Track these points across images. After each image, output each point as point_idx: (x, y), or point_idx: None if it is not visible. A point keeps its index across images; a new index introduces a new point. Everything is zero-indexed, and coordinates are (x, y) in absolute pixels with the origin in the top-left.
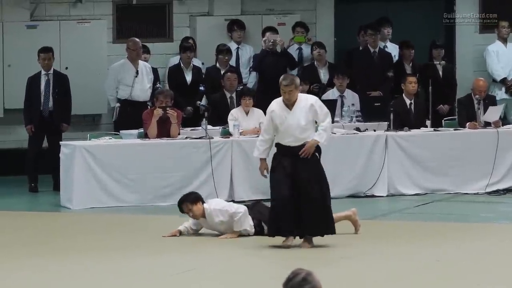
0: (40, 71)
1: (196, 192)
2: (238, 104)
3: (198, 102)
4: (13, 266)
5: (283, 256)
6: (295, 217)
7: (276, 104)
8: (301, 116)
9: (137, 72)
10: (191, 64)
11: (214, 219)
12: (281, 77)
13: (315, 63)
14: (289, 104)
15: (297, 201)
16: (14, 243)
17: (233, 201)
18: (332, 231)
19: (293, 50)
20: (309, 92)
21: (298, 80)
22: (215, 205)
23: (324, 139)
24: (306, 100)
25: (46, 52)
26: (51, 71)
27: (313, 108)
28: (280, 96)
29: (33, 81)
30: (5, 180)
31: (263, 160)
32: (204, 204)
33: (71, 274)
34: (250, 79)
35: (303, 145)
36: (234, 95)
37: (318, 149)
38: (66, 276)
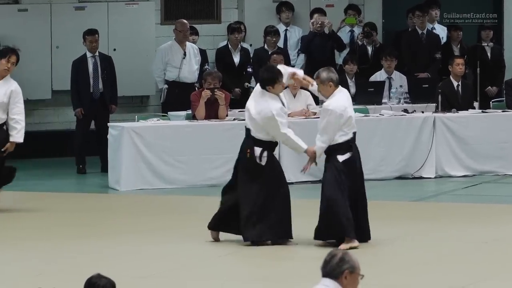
0: (85, 54)
1: None
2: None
3: (246, 83)
4: (61, 248)
5: None
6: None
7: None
8: None
9: (184, 54)
10: (239, 46)
11: None
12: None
13: (365, 42)
14: None
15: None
16: (62, 225)
17: None
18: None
19: (344, 33)
20: (356, 73)
21: (324, 75)
22: None
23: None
24: None
25: (92, 34)
26: (97, 53)
27: None
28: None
29: (80, 64)
30: (53, 162)
31: None
32: None
33: (119, 255)
34: (298, 61)
35: None
36: None
37: None
38: (114, 258)
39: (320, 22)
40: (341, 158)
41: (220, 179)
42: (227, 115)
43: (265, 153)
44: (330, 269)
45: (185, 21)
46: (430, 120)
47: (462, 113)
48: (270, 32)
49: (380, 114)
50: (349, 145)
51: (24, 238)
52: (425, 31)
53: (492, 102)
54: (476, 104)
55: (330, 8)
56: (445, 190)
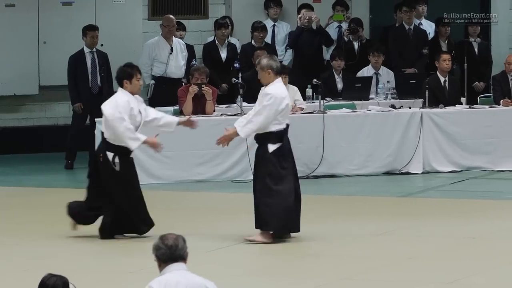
0: (82, 49)
1: None
2: None
3: (234, 79)
4: (48, 243)
5: (305, 234)
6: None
7: None
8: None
9: (171, 49)
10: (226, 41)
11: None
12: None
13: (351, 38)
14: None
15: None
16: (49, 220)
17: None
18: (264, 227)
19: (332, 28)
20: (343, 69)
21: (264, 62)
22: None
23: (244, 132)
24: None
25: (93, 30)
26: (94, 49)
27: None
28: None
29: (78, 59)
30: (40, 157)
31: None
32: None
33: (107, 251)
34: (286, 57)
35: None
36: None
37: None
38: (102, 253)
39: (307, 17)
40: (271, 147)
41: (207, 174)
42: (214, 111)
43: (117, 158)
44: (182, 252)
45: (171, 16)
46: (417, 116)
47: (449, 108)
48: (258, 27)
49: (367, 110)
50: (281, 136)
51: (11, 234)
52: (412, 27)
53: (480, 97)
54: (463, 99)
55: (318, 4)
56: (432, 185)
